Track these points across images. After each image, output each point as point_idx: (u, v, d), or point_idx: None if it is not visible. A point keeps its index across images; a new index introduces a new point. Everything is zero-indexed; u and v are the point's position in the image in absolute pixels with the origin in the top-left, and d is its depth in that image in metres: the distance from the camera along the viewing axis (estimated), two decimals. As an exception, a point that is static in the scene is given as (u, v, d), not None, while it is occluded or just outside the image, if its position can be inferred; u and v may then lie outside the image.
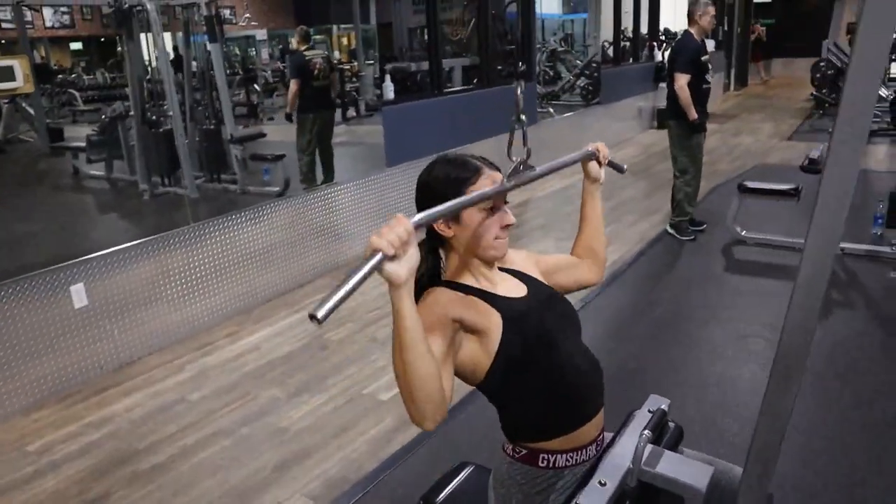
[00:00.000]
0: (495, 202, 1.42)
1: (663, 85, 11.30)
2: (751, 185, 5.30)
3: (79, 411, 3.32)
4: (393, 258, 1.05)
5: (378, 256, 1.04)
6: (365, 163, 6.31)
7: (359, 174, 5.71)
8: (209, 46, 6.91)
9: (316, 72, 6.19)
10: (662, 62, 11.24)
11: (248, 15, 10.39)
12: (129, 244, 3.78)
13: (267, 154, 6.14)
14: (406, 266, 1.07)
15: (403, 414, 3.10)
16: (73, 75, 16.98)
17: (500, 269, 1.55)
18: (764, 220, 5.52)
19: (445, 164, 1.45)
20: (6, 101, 8.90)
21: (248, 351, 3.89)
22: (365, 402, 3.28)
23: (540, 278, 1.61)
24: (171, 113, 6.18)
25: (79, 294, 3.51)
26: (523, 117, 1.38)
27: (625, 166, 1.90)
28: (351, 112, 10.56)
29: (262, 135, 7.26)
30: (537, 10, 11.52)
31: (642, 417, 1.66)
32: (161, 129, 6.40)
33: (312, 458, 2.86)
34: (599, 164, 1.73)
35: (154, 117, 6.82)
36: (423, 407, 1.16)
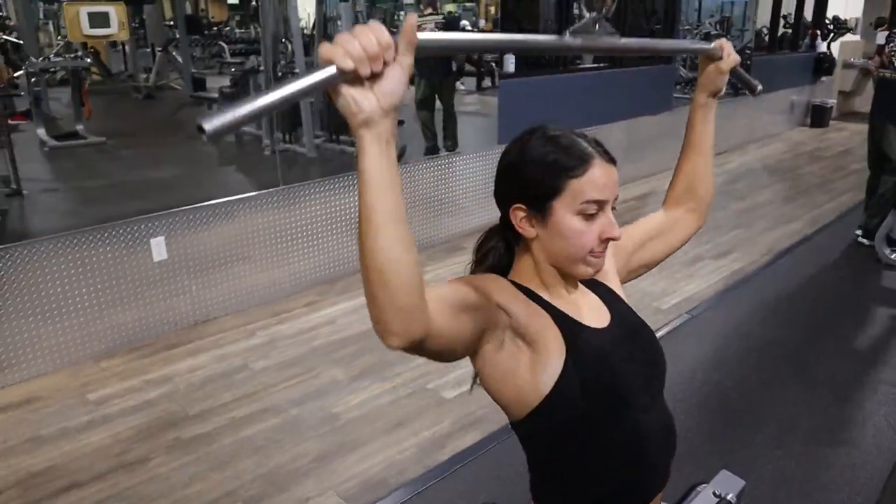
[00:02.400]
0: (599, 206, 1.05)
1: (825, 79, 10.28)
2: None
3: (144, 365, 3.30)
4: (354, 78, 0.71)
5: (327, 70, 0.69)
6: (487, 136, 6.05)
7: (476, 147, 5.45)
8: (339, 5, 6.85)
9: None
10: (825, 53, 10.16)
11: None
12: (214, 202, 3.71)
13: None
14: (374, 98, 0.73)
15: (464, 417, 2.87)
16: (227, 28, 17.71)
17: (583, 280, 1.18)
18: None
19: (545, 142, 1.07)
20: (160, 49, 9.32)
21: (322, 324, 3.75)
22: (427, 398, 3.05)
23: (622, 294, 1.23)
24: (297, 70, 6.17)
25: (158, 247, 3.48)
26: None
27: (759, 85, 1.42)
28: (486, 82, 10.30)
29: (384, 99, 7.13)
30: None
31: (706, 503, 1.31)
32: (287, 86, 6.44)
33: (356, 453, 2.66)
34: (721, 70, 1.29)
35: (282, 73, 6.87)
36: (387, 310, 0.80)
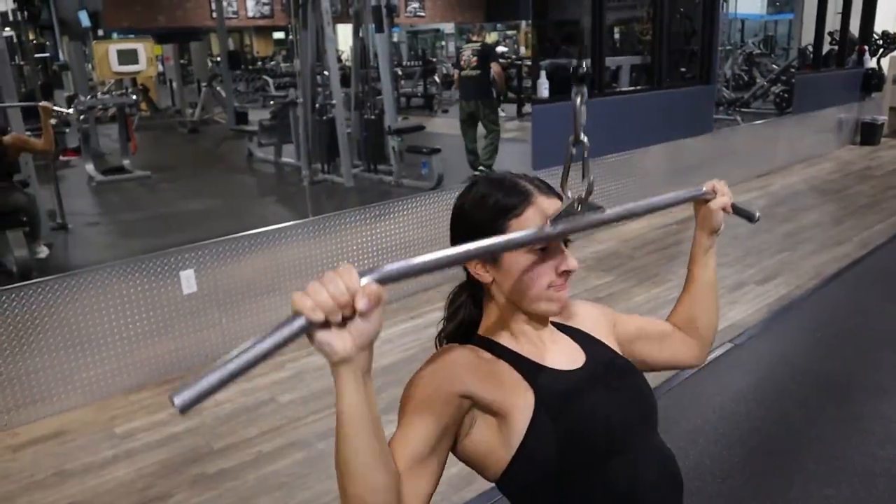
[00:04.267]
0: (549, 242, 1.02)
1: (875, 95, 9.97)
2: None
3: (173, 399, 3.30)
4: (325, 325, 0.72)
5: (297, 322, 0.71)
6: (523, 162, 6.03)
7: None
8: (376, 37, 6.91)
9: (462, 63, 6.13)
10: (874, 69, 9.86)
11: (415, 5, 10.44)
12: (243, 234, 3.73)
13: (423, 147, 6.03)
14: (349, 338, 0.74)
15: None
16: (272, 62, 18.15)
17: (558, 325, 1.15)
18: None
19: (487, 184, 1.08)
20: (205, 84, 9.57)
21: (351, 355, 3.71)
22: (454, 432, 2.97)
23: (611, 345, 1.18)
24: (334, 101, 6.25)
25: (188, 280, 3.49)
26: (584, 139, 0.97)
27: (757, 213, 1.36)
28: (527, 108, 10.30)
29: (421, 128, 7.17)
30: (735, 9, 10.59)
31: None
32: (325, 117, 6.51)
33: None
34: (713, 210, 1.26)
35: (320, 105, 6.95)
36: None
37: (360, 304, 0.73)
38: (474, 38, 6.54)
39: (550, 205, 1.04)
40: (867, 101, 9.95)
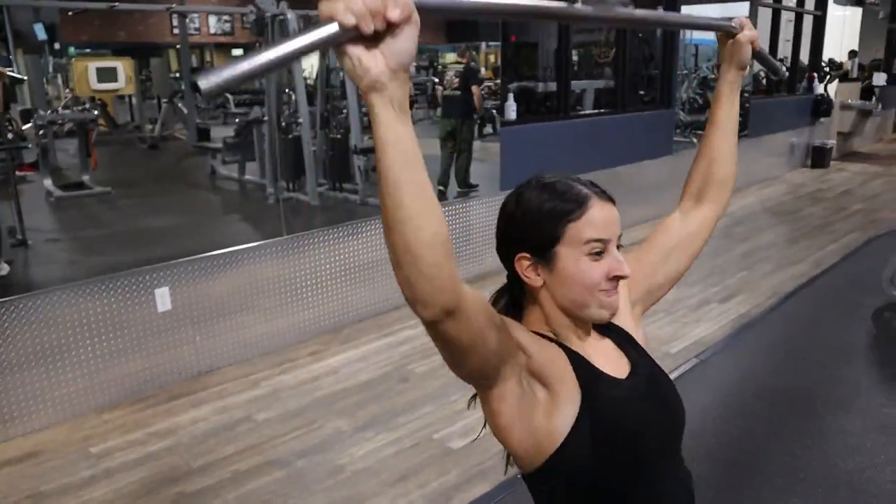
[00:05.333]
0: (603, 245, 1.03)
1: (823, 120, 10.38)
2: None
3: (147, 417, 3.27)
4: (359, 37, 0.66)
5: (329, 27, 0.64)
6: (490, 182, 6.12)
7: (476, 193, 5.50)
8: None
9: (446, 83, 6.43)
10: (823, 95, 10.27)
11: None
12: (219, 252, 3.72)
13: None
14: (381, 57, 0.68)
15: (472, 468, 2.82)
16: (231, 80, 17.73)
17: (595, 326, 1.13)
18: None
19: (541, 189, 1.06)
20: (166, 101, 9.48)
21: (326, 374, 3.72)
22: (432, 449, 3.00)
23: (640, 336, 1.18)
24: (301, 120, 6.26)
25: (163, 298, 3.48)
26: None
27: (783, 68, 1.36)
28: (487, 129, 10.46)
29: (385, 147, 7.21)
30: (691, 35, 10.91)
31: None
32: (290, 136, 6.52)
33: (363, 507, 2.62)
34: (740, 42, 1.25)
35: (287, 124, 6.96)
36: (413, 278, 0.77)
37: (392, 14, 0.66)
38: (462, 60, 6.74)
39: (607, 208, 1.05)
40: (817, 126, 10.35)
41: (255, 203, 6.87)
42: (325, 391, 3.53)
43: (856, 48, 13.17)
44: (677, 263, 1.27)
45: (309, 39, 0.63)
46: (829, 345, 4.18)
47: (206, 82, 0.59)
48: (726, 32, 1.26)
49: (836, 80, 11.74)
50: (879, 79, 11.98)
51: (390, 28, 0.67)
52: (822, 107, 10.14)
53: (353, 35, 0.65)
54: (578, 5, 0.92)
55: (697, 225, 1.29)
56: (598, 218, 1.03)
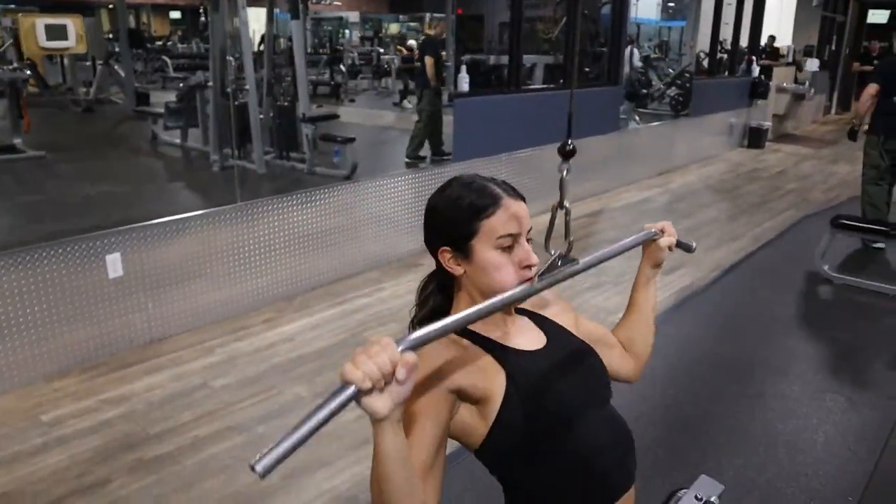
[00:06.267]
0: (514, 238, 1.15)
1: (760, 102, 10.73)
2: (846, 220, 4.81)
3: (99, 385, 3.21)
4: (370, 392, 0.83)
5: (349, 391, 0.81)
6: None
7: (427, 165, 5.51)
8: (291, 23, 6.82)
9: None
10: (760, 78, 10.61)
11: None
12: (171, 218, 3.65)
13: (337, 136, 6.01)
14: (390, 399, 0.85)
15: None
16: (170, 43, 17.35)
17: (525, 312, 1.28)
18: (856, 260, 5.02)
19: (460, 186, 1.19)
20: (101, 62, 9.11)
21: (281, 341, 3.71)
22: (392, 414, 3.04)
23: (572, 330, 1.31)
24: (248, 87, 6.12)
25: (114, 264, 3.39)
26: (567, 204, 1.17)
27: (694, 244, 1.55)
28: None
29: (335, 116, 7.15)
30: (636, 14, 11.09)
31: (689, 505, 1.36)
32: (237, 102, 6.37)
33: (325, 471, 2.64)
34: (661, 247, 1.44)
35: (231, 90, 6.80)
36: None
37: (400, 375, 0.83)
38: (429, 31, 6.67)
39: (516, 206, 1.17)
40: (754, 108, 10.69)
41: (199, 170, 6.71)
42: (281, 358, 3.52)
43: (774, 34, 13.58)
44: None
45: (334, 404, 0.80)
46: (767, 316, 4.39)
47: (261, 465, 0.73)
48: (650, 240, 1.43)
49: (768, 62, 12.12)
50: (812, 64, 12.44)
51: (397, 381, 0.84)
52: (759, 89, 10.47)
53: (366, 392, 0.82)
54: (537, 283, 1.13)
55: (616, 357, 1.43)
56: (508, 214, 1.15)
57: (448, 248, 1.18)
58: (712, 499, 1.38)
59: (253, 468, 0.73)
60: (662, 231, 1.43)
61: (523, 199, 1.19)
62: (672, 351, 3.85)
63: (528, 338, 1.22)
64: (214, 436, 2.84)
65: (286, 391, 3.20)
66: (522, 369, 1.14)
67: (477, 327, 1.17)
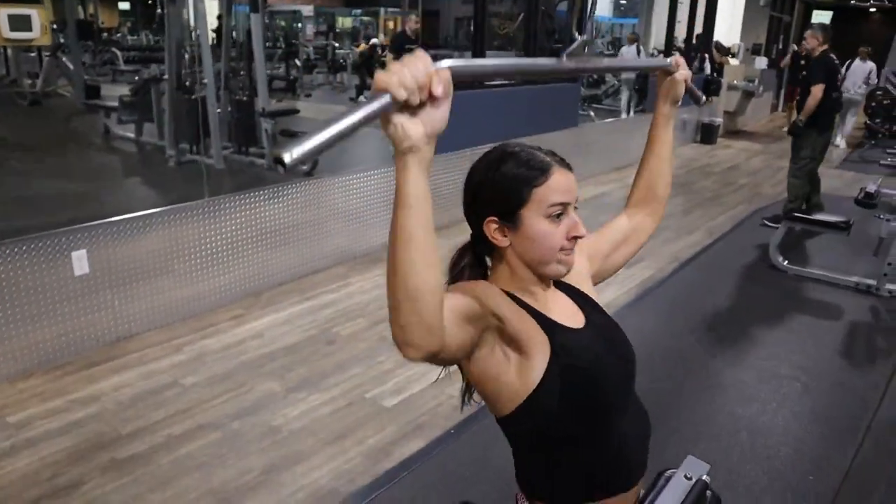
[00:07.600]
0: (563, 208, 1.14)
1: (713, 99, 10.99)
2: (798, 213, 5.01)
3: (67, 385, 3.16)
4: (405, 106, 0.76)
5: (383, 99, 0.74)
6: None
7: (388, 161, 5.51)
8: (250, 16, 6.75)
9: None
10: (712, 75, 10.87)
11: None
12: (138, 214, 3.60)
13: (296, 131, 5.96)
14: (422, 124, 0.79)
15: (407, 424, 2.91)
16: (118, 35, 16.92)
17: (560, 285, 1.27)
18: (809, 251, 5.22)
19: (508, 154, 1.16)
20: (48, 54, 8.85)
21: (250, 337, 3.70)
22: (366, 408, 3.07)
23: (594, 295, 1.32)
24: (205, 80, 6.03)
25: (80, 261, 3.34)
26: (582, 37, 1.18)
27: (703, 97, 1.56)
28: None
29: (295, 111, 7.09)
30: (588, 9, 11.24)
31: (679, 486, 1.42)
32: (194, 96, 6.26)
33: (303, 465, 2.65)
34: (676, 80, 1.43)
35: (188, 83, 6.69)
36: (410, 324, 0.86)
37: (437, 89, 0.77)
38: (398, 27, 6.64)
39: (566, 175, 1.16)
40: (706, 105, 10.95)
41: (155, 165, 6.59)
42: (251, 354, 3.51)
43: (725, 32, 13.90)
44: (623, 256, 1.48)
45: (367, 111, 0.73)
46: (722, 307, 4.53)
47: (292, 153, 0.66)
48: (664, 71, 1.42)
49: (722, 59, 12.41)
50: (760, 62, 12.79)
51: (432, 100, 0.78)
52: (711, 86, 10.72)
53: (401, 106, 0.76)
54: (564, 61, 1.19)
55: (640, 227, 1.48)
56: (559, 183, 1.15)
57: (495, 218, 1.15)
58: (703, 477, 1.44)
59: (279, 159, 0.66)
60: (678, 65, 1.41)
61: (571, 168, 1.18)
62: (632, 342, 3.95)
63: (567, 315, 1.22)
64: (188, 433, 2.83)
65: (257, 387, 3.19)
66: (567, 347, 1.14)
67: (526, 299, 1.17)
